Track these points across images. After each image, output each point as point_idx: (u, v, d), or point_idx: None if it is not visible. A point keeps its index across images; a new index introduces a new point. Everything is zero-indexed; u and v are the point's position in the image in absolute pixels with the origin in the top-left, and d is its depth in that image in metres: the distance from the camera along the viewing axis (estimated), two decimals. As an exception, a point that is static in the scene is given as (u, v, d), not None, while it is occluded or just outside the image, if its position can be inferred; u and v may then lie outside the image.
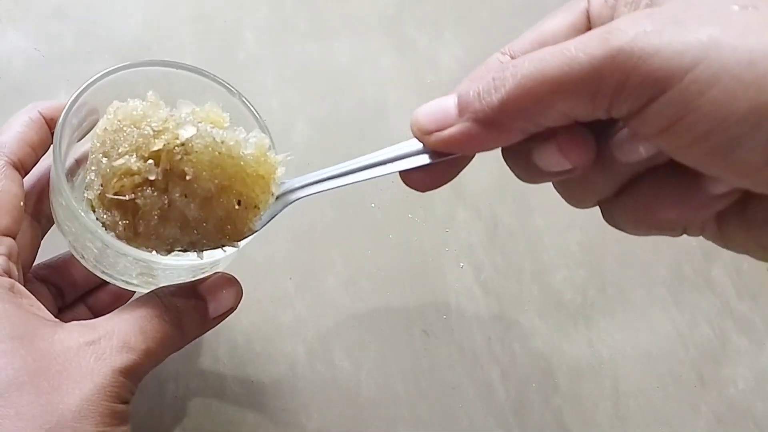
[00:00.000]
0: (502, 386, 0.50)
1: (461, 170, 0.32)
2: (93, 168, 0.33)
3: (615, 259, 0.56)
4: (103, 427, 0.31)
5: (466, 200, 0.56)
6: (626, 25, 0.24)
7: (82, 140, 0.37)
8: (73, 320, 0.33)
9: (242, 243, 0.35)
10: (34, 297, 0.34)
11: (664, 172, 0.28)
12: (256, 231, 0.35)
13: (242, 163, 0.33)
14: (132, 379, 0.32)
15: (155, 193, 0.33)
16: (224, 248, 0.35)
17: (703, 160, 0.24)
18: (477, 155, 0.30)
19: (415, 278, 0.53)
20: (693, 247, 0.57)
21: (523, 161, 0.29)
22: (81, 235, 0.35)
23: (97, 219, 0.33)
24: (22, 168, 0.36)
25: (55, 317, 0.34)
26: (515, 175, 0.31)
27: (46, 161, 0.39)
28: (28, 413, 0.29)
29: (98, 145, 0.34)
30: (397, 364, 0.50)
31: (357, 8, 0.62)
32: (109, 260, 0.36)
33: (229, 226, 0.34)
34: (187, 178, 0.33)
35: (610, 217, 0.30)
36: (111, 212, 0.33)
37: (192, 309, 0.36)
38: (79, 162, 0.38)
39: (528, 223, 0.56)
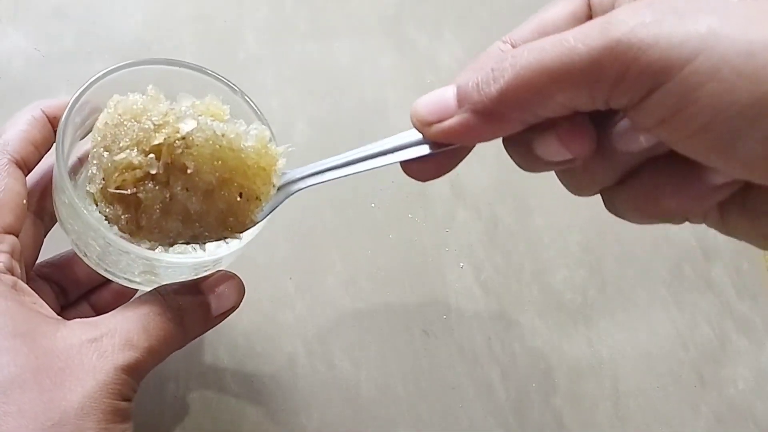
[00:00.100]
0: (502, 386, 0.50)
1: (462, 159, 0.32)
2: (95, 162, 0.33)
3: (615, 259, 0.56)
4: (105, 424, 0.31)
5: (466, 200, 0.56)
6: (626, 16, 0.24)
7: (85, 138, 0.37)
8: (76, 318, 0.33)
9: (244, 234, 0.35)
10: (36, 295, 0.34)
11: (664, 162, 0.28)
12: (258, 222, 0.35)
13: (243, 155, 0.33)
14: (134, 376, 0.32)
15: (157, 187, 0.33)
16: (227, 240, 0.35)
17: (703, 151, 0.24)
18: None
19: (415, 278, 0.53)
20: (693, 247, 0.57)
21: (523, 150, 0.29)
22: (84, 233, 0.35)
23: (99, 213, 0.33)
24: (25, 166, 0.36)
25: (58, 315, 0.34)
26: (516, 163, 0.30)
27: (49, 159, 0.38)
28: (31, 410, 0.29)
29: (99, 139, 0.33)
30: (397, 364, 0.50)
31: (357, 8, 0.62)
32: (112, 258, 0.36)
33: (231, 218, 0.34)
34: (189, 171, 0.33)
35: (611, 206, 0.30)
36: (113, 206, 0.33)
37: (194, 307, 0.36)
38: (82, 160, 0.38)
39: (528, 223, 0.56)
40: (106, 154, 0.33)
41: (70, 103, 0.35)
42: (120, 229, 0.33)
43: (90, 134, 0.37)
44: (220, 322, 0.37)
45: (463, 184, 0.56)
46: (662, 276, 0.56)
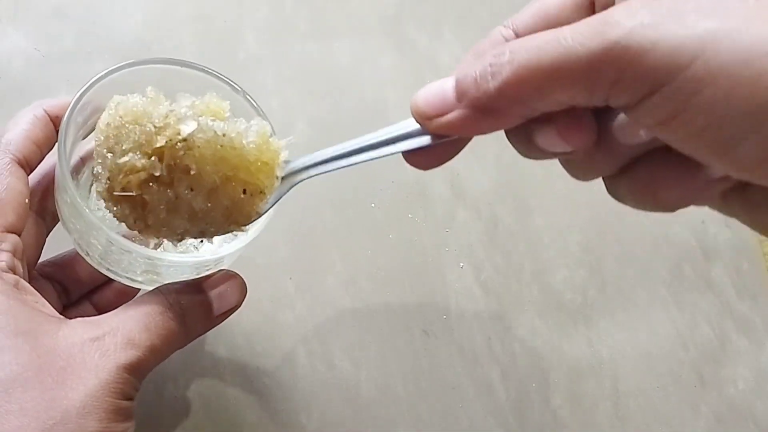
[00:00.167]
0: (502, 386, 0.50)
1: (464, 147, 0.32)
2: (99, 161, 0.33)
3: (615, 259, 0.56)
4: (107, 423, 0.31)
5: (466, 200, 0.56)
6: (623, 16, 0.23)
7: (87, 138, 0.37)
8: (77, 317, 0.33)
9: (250, 227, 0.36)
10: (38, 294, 0.34)
11: (665, 154, 0.27)
12: (262, 213, 0.35)
13: (245, 152, 0.33)
14: (136, 375, 0.32)
15: (161, 188, 0.33)
16: (235, 233, 0.35)
17: (701, 152, 0.24)
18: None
19: (415, 278, 0.53)
20: (693, 247, 0.57)
21: (524, 140, 0.29)
22: (86, 232, 0.35)
23: (107, 210, 0.34)
24: (27, 165, 0.36)
25: (60, 314, 0.34)
26: (518, 152, 0.31)
27: (51, 159, 0.38)
28: (32, 409, 0.29)
29: (102, 139, 0.33)
30: (397, 364, 0.50)
31: (357, 8, 0.62)
32: (114, 257, 0.36)
33: (236, 213, 0.34)
34: (192, 172, 0.33)
35: (614, 192, 0.30)
36: (120, 206, 0.33)
37: (196, 306, 0.36)
38: (84, 160, 0.38)
39: (528, 223, 0.56)
40: (110, 155, 0.33)
41: (72, 103, 0.35)
42: (128, 227, 0.33)
43: (92, 134, 0.37)
44: (222, 321, 0.37)
45: (463, 184, 0.56)
46: (662, 276, 0.56)
